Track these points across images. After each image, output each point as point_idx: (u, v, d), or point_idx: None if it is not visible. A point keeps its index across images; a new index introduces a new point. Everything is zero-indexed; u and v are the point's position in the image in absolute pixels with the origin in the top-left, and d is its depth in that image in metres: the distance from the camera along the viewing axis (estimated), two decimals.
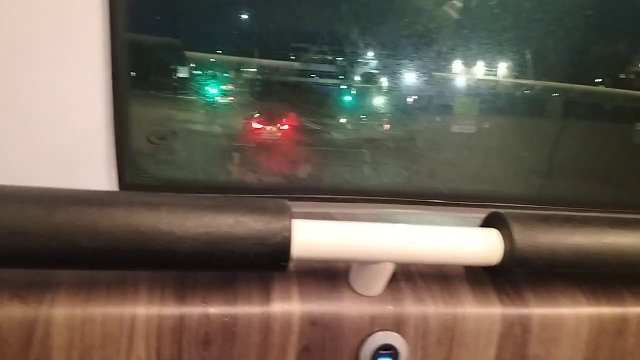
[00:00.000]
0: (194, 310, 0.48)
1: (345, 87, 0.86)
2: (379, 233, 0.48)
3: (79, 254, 0.42)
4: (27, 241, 0.40)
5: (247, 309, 0.49)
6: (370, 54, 0.82)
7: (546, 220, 0.52)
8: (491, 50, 0.85)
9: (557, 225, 0.51)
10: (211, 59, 0.79)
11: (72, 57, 0.58)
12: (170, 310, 0.48)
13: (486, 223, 0.54)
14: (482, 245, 0.50)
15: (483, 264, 0.51)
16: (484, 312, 0.54)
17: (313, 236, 0.47)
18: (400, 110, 0.86)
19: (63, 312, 0.46)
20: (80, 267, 0.44)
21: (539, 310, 0.55)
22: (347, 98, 0.88)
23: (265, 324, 0.49)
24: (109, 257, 0.42)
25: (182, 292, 0.49)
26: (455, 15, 0.82)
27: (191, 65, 0.78)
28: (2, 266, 0.44)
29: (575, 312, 0.56)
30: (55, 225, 0.41)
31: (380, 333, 0.51)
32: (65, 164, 0.62)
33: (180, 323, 0.48)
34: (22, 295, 0.46)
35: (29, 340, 0.45)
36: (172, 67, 0.76)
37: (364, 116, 0.88)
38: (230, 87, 0.81)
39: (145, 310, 0.47)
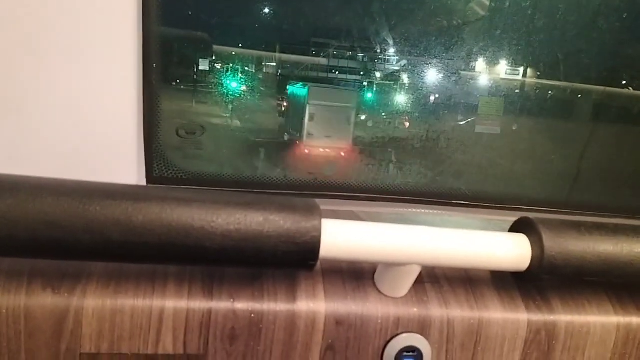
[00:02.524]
0: (221, 305, 0.49)
1: (368, 83, 0.85)
2: (408, 235, 0.48)
3: (112, 247, 0.42)
4: (61, 233, 0.41)
5: (273, 306, 0.49)
6: (395, 51, 0.81)
7: (576, 227, 0.51)
8: (521, 51, 0.84)
9: (587, 233, 0.51)
10: (241, 54, 0.80)
11: (104, 52, 0.59)
12: (198, 304, 0.48)
13: (515, 228, 0.53)
14: (511, 250, 0.50)
15: (511, 270, 0.51)
16: (509, 317, 0.53)
17: (342, 237, 0.47)
18: (424, 109, 0.86)
19: (93, 303, 0.47)
20: (112, 259, 0.45)
21: (566, 317, 0.55)
22: (369, 95, 0.88)
23: (291, 322, 0.50)
24: (140, 251, 0.43)
25: (210, 287, 0.49)
26: (482, 12, 0.81)
27: (221, 59, 0.78)
28: (36, 257, 0.45)
29: (603, 320, 0.55)
30: (89, 219, 0.41)
31: (404, 335, 0.51)
32: (95, 157, 0.63)
33: (208, 317, 0.48)
34: (55, 285, 0.47)
35: (61, 329, 0.46)
36: (202, 61, 0.77)
37: (385, 114, 0.88)
38: (258, 82, 0.81)
39: (174, 303, 0.48)
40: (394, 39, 0.79)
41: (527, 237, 0.51)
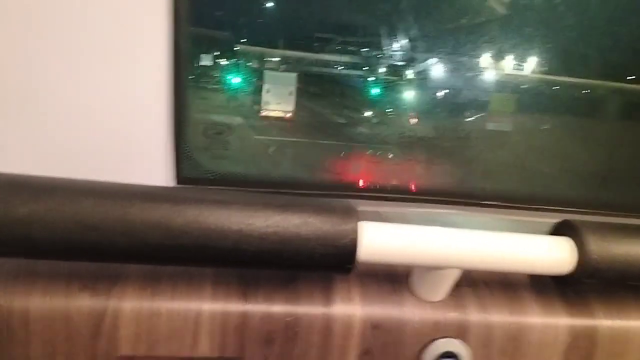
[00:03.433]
0: (257, 308, 0.48)
1: (400, 81, 0.84)
2: (449, 238, 0.47)
3: (149, 249, 0.42)
4: (100, 236, 0.41)
5: (309, 309, 0.49)
6: (419, 47, 0.80)
7: (620, 230, 0.50)
8: (552, 48, 0.82)
9: (631, 235, 0.49)
10: (270, 55, 0.79)
11: (134, 52, 0.59)
12: (235, 307, 0.48)
13: (557, 231, 0.52)
14: (553, 254, 0.49)
15: (553, 274, 0.49)
16: (549, 322, 0.52)
17: (380, 240, 0.46)
18: (452, 106, 0.85)
19: (130, 305, 0.46)
20: (149, 262, 0.44)
21: (607, 322, 0.53)
22: (389, 93, 0.87)
23: (327, 325, 0.49)
24: (177, 253, 0.43)
25: (246, 289, 0.49)
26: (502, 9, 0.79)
27: (249, 60, 0.78)
28: (73, 259, 0.44)
29: None
30: (128, 222, 0.41)
31: (442, 340, 0.50)
32: (125, 158, 0.63)
33: (244, 320, 0.48)
34: (92, 287, 0.46)
35: (98, 331, 0.46)
36: (231, 61, 0.77)
37: (412, 112, 0.87)
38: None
39: (210, 306, 0.47)
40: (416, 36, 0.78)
41: (570, 239, 0.49)
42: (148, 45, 0.59)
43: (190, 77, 0.66)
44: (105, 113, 0.60)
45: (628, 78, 0.88)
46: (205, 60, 0.74)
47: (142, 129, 0.62)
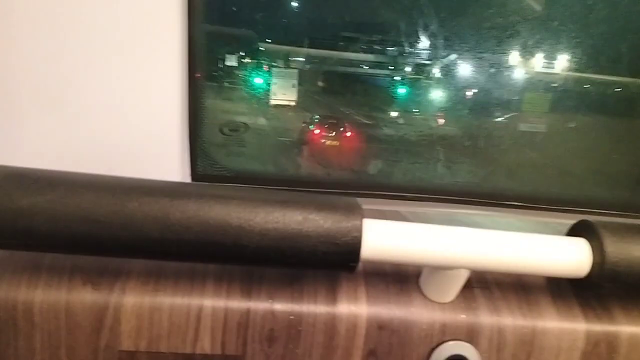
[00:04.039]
0: (260, 305, 0.47)
1: (425, 80, 0.83)
2: (456, 237, 0.45)
3: (149, 244, 0.42)
4: (100, 229, 0.41)
5: (312, 308, 0.48)
6: (448, 46, 0.78)
7: None
8: (581, 45, 0.79)
9: None
10: (287, 52, 0.79)
11: (149, 49, 0.59)
12: (237, 304, 0.47)
13: (574, 231, 0.50)
14: (570, 255, 0.46)
15: (569, 276, 0.47)
16: (566, 327, 0.50)
17: (385, 238, 0.45)
18: (477, 106, 0.82)
19: (132, 300, 0.46)
20: (150, 257, 0.44)
21: (628, 328, 0.50)
22: (414, 91, 0.85)
23: (331, 325, 0.48)
24: (178, 248, 0.42)
25: (249, 286, 0.48)
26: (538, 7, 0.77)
27: (264, 57, 0.78)
28: (75, 252, 0.45)
29: None
30: (127, 215, 0.41)
31: (451, 342, 0.49)
32: (141, 154, 0.63)
33: (246, 318, 0.47)
34: (95, 282, 0.47)
35: (100, 325, 0.46)
36: (246, 59, 0.76)
37: (439, 111, 0.85)
38: (304, 81, 0.81)
39: (212, 302, 0.47)
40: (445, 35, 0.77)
41: (587, 241, 0.47)
42: (164, 44, 0.59)
43: (205, 74, 0.66)
44: (123, 111, 0.61)
45: None
46: (222, 58, 0.74)
47: (159, 127, 0.63)
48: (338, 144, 0.87)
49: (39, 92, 0.59)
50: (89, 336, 0.46)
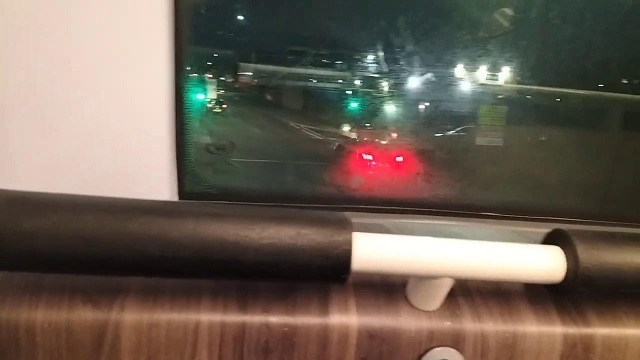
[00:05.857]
0: (255, 319, 0.49)
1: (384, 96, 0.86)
2: (440, 248, 0.48)
3: (149, 262, 0.43)
4: (101, 250, 0.42)
5: (306, 320, 0.50)
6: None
7: (611, 238, 0.50)
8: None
9: (623, 244, 0.50)
10: (270, 71, 0.81)
11: (136, 68, 0.61)
12: (233, 318, 0.49)
13: (549, 240, 0.53)
14: (545, 263, 0.49)
15: (545, 282, 0.50)
16: (544, 330, 0.53)
17: (373, 250, 0.47)
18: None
19: (131, 317, 0.48)
20: (150, 274, 0.46)
21: (603, 330, 0.54)
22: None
23: (324, 335, 0.50)
24: (176, 266, 0.44)
25: (244, 300, 0.50)
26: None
27: (249, 77, 0.80)
28: (77, 272, 0.46)
29: None
30: (128, 235, 0.43)
31: (438, 349, 0.51)
32: (128, 174, 0.64)
33: (242, 331, 0.49)
34: (95, 300, 0.48)
35: (101, 342, 0.47)
36: (231, 79, 0.79)
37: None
38: (288, 99, 0.83)
39: (209, 317, 0.49)
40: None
41: (561, 248, 0.50)
42: (149, 61, 0.61)
43: (192, 93, 0.68)
44: (110, 131, 0.62)
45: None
46: (209, 78, 0.76)
47: (146, 146, 0.64)
48: None
49: (27, 114, 0.60)
50: (90, 354, 0.47)
